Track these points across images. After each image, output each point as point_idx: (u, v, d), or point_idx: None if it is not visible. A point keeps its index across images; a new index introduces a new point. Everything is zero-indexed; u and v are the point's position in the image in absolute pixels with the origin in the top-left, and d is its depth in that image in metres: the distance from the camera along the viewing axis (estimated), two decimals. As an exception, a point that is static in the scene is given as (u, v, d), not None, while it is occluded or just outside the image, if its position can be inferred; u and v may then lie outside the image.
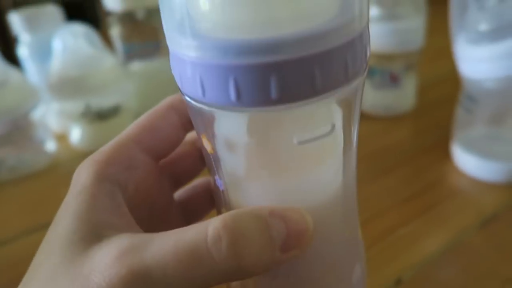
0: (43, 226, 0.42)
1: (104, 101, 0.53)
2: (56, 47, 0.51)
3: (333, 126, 0.17)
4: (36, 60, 0.57)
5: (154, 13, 0.58)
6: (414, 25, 0.51)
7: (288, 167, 0.18)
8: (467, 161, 0.42)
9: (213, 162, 0.19)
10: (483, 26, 0.38)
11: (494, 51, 0.37)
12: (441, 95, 0.58)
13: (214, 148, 0.18)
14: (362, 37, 0.16)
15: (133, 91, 0.57)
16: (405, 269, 0.31)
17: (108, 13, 0.58)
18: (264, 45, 0.14)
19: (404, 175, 0.43)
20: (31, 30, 0.55)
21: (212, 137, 0.18)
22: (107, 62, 0.53)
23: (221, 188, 0.19)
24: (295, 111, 0.16)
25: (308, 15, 0.15)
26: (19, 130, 0.50)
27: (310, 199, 0.19)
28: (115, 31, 0.58)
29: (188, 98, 0.17)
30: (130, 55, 0.58)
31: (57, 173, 0.51)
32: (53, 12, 0.57)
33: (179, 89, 0.18)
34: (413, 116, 0.54)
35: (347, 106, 0.17)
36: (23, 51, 0.57)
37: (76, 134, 0.54)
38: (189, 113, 0.19)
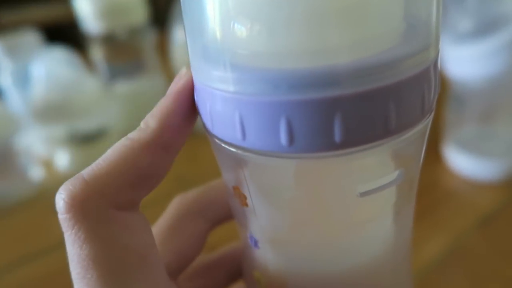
0: (32, 259, 0.41)
1: (89, 124, 0.52)
2: (37, 73, 0.50)
3: (401, 173, 0.14)
4: (19, 87, 0.56)
5: (135, 33, 0.57)
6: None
7: (341, 223, 0.15)
8: (460, 162, 0.41)
9: (246, 217, 0.16)
10: (464, 26, 0.38)
11: (476, 50, 0.37)
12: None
13: (249, 202, 0.15)
14: (437, 64, 0.14)
15: (118, 112, 0.56)
16: (407, 276, 0.31)
17: (89, 35, 0.57)
18: (326, 76, 0.11)
19: (398, 180, 0.42)
20: (12, 58, 0.54)
21: (247, 189, 0.15)
22: (90, 85, 0.52)
23: (255, 247, 0.16)
24: (359, 157, 0.13)
25: (379, 39, 0.12)
26: (0, 159, 0.49)
27: (361, 256, 0.16)
28: (97, 53, 0.57)
29: (219, 141, 0.14)
30: (114, 76, 0.58)
31: (45, 201, 0.49)
32: (33, 37, 0.56)
33: (205, 128, 0.15)
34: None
35: (415, 148, 0.14)
36: (5, 79, 0.56)
37: (62, 159, 0.53)
38: (218, 158, 0.16)
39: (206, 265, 0.20)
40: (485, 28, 0.37)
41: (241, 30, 0.12)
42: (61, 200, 0.13)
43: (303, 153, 0.12)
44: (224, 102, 0.13)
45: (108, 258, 0.13)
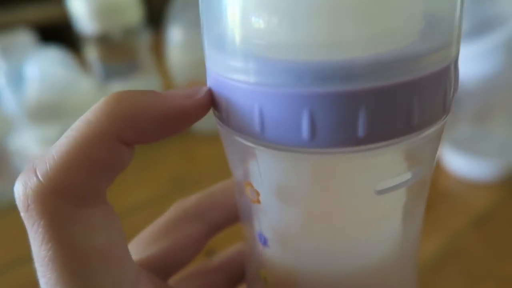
0: (27, 261, 0.41)
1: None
2: (31, 73, 0.50)
3: (418, 172, 0.14)
4: (13, 87, 0.55)
5: (130, 33, 0.57)
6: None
7: (355, 221, 0.15)
8: (456, 162, 0.41)
9: (256, 215, 0.16)
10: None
11: (471, 51, 0.37)
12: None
13: (262, 198, 0.15)
14: (457, 62, 0.14)
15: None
16: (402, 276, 0.31)
17: (84, 35, 0.57)
18: (352, 69, 0.11)
19: (393, 180, 0.42)
20: (6, 58, 0.54)
21: (261, 184, 0.14)
22: (84, 85, 0.52)
23: (264, 245, 0.16)
24: (381, 153, 0.12)
25: (402, 33, 0.12)
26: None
27: (372, 255, 0.16)
28: (92, 53, 0.57)
29: (234, 134, 0.14)
30: (108, 76, 0.57)
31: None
32: (27, 37, 0.56)
33: (218, 121, 0.14)
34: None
35: (432, 146, 0.14)
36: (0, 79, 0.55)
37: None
38: (229, 153, 0.15)
39: (206, 269, 0.19)
40: (479, 28, 0.37)
41: (263, 21, 0.12)
42: (17, 197, 0.12)
43: (324, 148, 0.12)
44: (243, 93, 0.12)
45: (67, 259, 0.12)
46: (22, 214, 0.12)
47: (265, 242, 0.16)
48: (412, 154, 0.14)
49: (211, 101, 0.14)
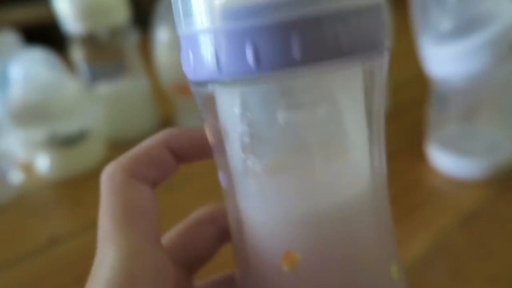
0: (11, 265, 0.40)
1: (69, 127, 0.51)
2: (15, 74, 0.49)
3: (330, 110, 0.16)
4: (-2, 89, 0.55)
5: (117, 34, 0.56)
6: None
7: (299, 160, 0.16)
8: (443, 161, 0.42)
9: (217, 156, 0.18)
10: (445, 26, 0.38)
11: (457, 50, 0.37)
12: (411, 97, 0.58)
13: (217, 137, 0.17)
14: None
15: (100, 115, 0.55)
16: (391, 276, 0.31)
17: (70, 36, 0.56)
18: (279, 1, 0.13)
19: (382, 180, 0.42)
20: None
21: (216, 125, 0.17)
22: (70, 87, 0.51)
23: (224, 185, 0.19)
24: (317, 76, 0.15)
25: None
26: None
27: (331, 196, 0.17)
28: (78, 54, 0.57)
29: (196, 87, 0.17)
30: (95, 77, 0.57)
31: (24, 205, 0.48)
32: (12, 38, 0.55)
33: (189, 81, 0.17)
34: (385, 120, 0.54)
35: (369, 86, 0.16)
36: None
37: (42, 163, 0.52)
38: (198, 105, 0.18)
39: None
40: (465, 27, 0.37)
41: None
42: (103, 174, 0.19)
43: (269, 71, 0.14)
44: (200, 41, 0.15)
45: (117, 206, 0.17)
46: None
47: (223, 182, 0.19)
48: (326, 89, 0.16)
49: None
